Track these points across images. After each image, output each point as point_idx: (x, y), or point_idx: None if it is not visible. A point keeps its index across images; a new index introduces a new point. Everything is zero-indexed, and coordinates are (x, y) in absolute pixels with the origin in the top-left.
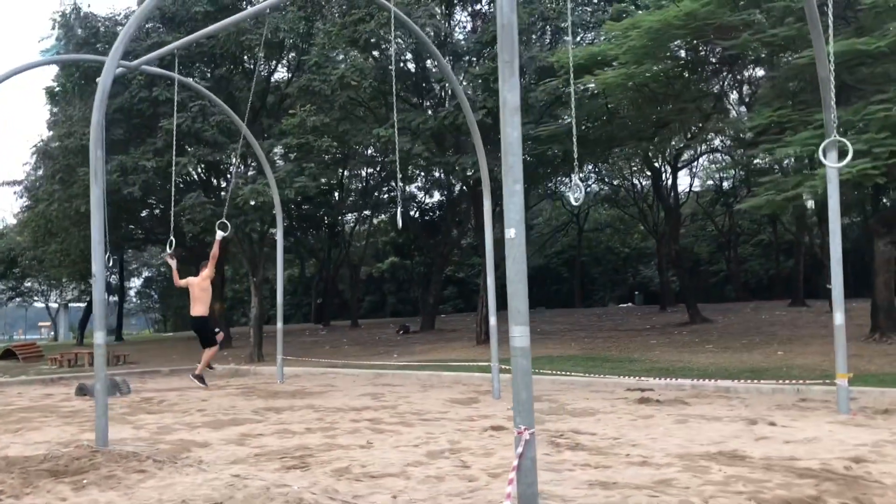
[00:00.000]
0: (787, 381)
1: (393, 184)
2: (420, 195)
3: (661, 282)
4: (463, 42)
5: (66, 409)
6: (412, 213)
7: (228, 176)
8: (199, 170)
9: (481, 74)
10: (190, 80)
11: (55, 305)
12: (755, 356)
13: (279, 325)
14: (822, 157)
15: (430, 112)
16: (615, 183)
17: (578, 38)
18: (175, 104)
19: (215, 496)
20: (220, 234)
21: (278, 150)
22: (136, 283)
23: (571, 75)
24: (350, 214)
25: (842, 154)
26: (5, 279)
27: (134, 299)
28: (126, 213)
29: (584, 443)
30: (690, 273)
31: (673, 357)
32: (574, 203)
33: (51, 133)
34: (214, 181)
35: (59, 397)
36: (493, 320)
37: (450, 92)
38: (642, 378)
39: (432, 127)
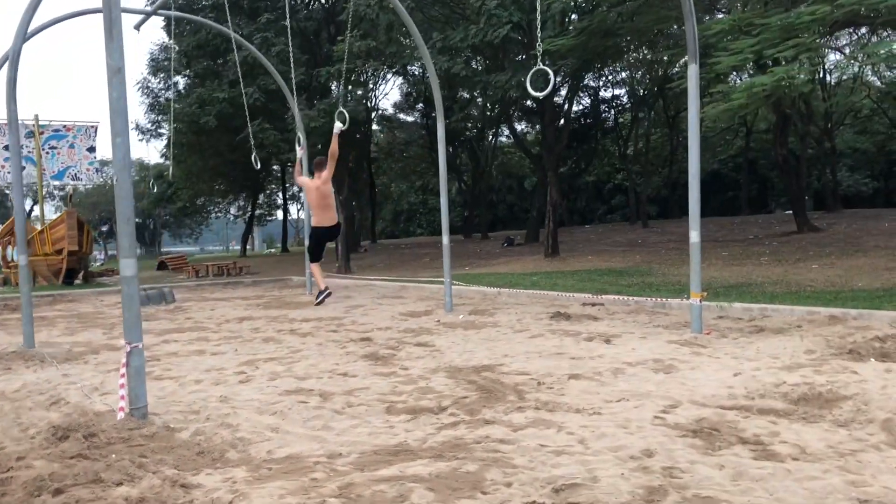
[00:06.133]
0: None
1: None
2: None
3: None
4: None
5: (102, 316)
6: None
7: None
8: (262, 98)
9: None
10: (211, 22)
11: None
12: (780, 269)
13: (308, 241)
14: (529, 87)
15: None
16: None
17: None
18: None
19: (4, 388)
20: (338, 127)
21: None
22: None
23: None
24: (492, 128)
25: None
26: (177, 201)
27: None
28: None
29: (401, 355)
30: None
31: (703, 272)
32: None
33: (146, 71)
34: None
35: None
36: (445, 239)
37: (483, 8)
38: (599, 295)
39: (470, 45)
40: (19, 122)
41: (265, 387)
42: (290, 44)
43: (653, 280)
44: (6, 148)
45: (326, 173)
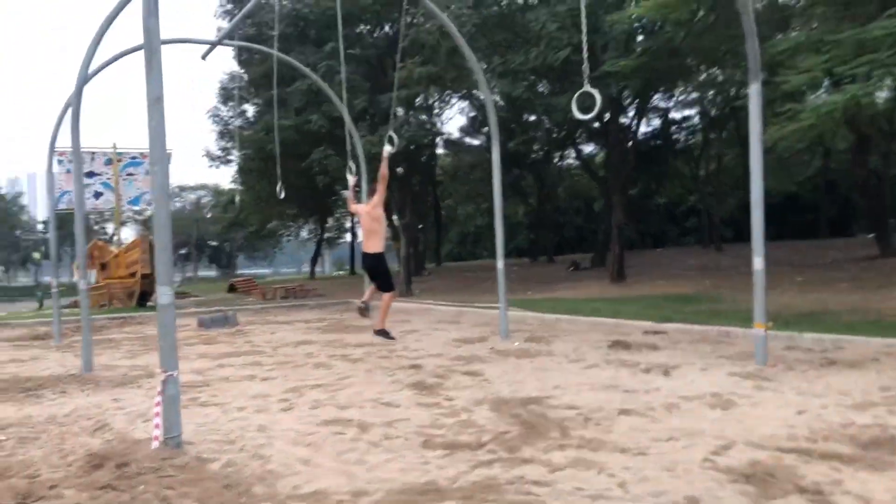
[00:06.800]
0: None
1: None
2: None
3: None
4: None
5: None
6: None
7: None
8: (327, 125)
9: (569, 10)
10: (269, 49)
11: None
12: (858, 297)
13: None
14: (574, 111)
15: (532, 52)
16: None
17: None
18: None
19: (56, 412)
20: (387, 150)
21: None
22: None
23: None
24: (558, 151)
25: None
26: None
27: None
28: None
29: (448, 384)
30: None
31: (773, 299)
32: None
33: (217, 100)
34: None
35: (190, 328)
36: (500, 264)
37: (543, 31)
38: (663, 323)
39: (531, 68)
40: (98, 150)
41: (305, 416)
42: (344, 70)
43: (721, 307)
44: (88, 175)
45: (376, 198)
